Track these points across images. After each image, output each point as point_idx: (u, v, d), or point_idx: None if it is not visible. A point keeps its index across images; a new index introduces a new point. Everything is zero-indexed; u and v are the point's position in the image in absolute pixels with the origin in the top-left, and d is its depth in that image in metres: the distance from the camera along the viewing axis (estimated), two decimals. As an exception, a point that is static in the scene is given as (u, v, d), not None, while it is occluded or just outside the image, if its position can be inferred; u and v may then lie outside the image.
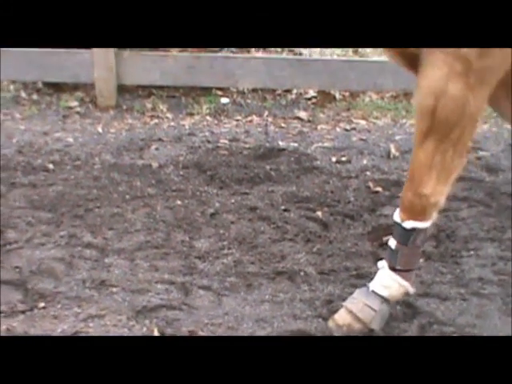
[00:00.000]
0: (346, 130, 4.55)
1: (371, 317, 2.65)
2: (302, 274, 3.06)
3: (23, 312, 2.79)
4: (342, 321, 2.67)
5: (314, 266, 3.11)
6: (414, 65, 2.48)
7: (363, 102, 4.83)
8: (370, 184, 3.84)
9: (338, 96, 4.88)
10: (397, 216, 2.63)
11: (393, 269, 2.64)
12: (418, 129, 2.54)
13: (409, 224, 2.58)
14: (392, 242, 2.64)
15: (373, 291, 2.66)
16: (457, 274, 3.10)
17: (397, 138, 4.33)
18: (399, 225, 2.61)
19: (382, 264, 2.69)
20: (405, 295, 2.70)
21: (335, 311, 2.73)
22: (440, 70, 2.35)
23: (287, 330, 2.70)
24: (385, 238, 3.27)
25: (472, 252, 3.24)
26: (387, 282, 2.65)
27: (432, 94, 2.40)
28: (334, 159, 4.05)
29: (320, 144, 4.20)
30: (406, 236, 2.60)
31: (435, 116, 2.41)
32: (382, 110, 4.76)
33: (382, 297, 2.66)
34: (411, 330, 2.73)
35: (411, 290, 2.68)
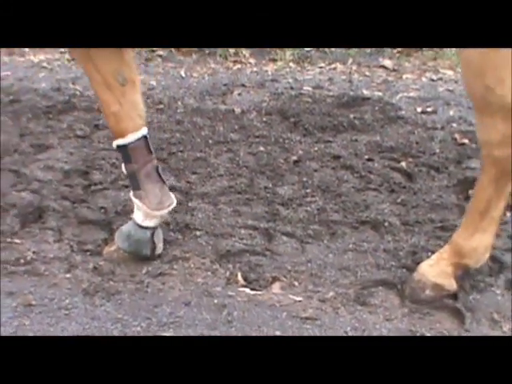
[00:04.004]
0: (433, 80, 4.45)
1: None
2: (385, 224, 3.01)
3: (109, 252, 2.83)
4: None
5: (398, 217, 3.06)
6: None
7: (451, 52, 4.70)
8: (457, 136, 3.76)
9: (424, 45, 4.76)
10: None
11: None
12: None
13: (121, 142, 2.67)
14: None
15: None
16: (546, 229, 3.01)
17: (485, 89, 4.19)
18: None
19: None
20: None
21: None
22: None
23: (370, 280, 2.67)
24: (470, 191, 3.22)
25: (562, 207, 3.14)
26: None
27: None
28: (419, 109, 3.97)
29: (405, 94, 4.12)
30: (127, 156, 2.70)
31: None
32: (470, 61, 4.61)
33: None
34: (497, 284, 2.67)
35: None
